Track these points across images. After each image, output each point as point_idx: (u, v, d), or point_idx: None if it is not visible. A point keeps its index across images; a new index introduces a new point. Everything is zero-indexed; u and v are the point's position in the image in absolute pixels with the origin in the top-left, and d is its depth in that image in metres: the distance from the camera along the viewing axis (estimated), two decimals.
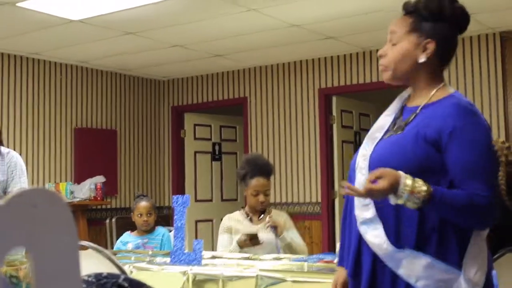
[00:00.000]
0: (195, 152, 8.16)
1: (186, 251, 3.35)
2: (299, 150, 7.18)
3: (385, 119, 2.05)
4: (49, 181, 6.86)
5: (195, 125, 8.18)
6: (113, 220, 5.16)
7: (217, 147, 8.37)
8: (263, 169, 4.01)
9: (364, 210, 1.91)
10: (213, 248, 6.73)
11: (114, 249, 4.59)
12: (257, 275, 2.92)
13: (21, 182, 3.94)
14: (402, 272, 1.83)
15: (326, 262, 3.22)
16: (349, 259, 1.97)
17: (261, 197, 3.97)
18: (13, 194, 0.83)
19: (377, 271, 1.89)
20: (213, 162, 8.33)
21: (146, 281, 1.49)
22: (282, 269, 3.07)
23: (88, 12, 5.22)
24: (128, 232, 4.65)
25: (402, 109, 2.04)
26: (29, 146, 6.74)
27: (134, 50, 6.59)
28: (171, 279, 3.19)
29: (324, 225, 6.96)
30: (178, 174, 8.08)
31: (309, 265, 3.17)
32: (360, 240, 1.92)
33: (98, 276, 1.35)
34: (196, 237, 7.56)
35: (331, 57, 7.06)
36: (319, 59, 7.14)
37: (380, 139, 1.99)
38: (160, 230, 4.63)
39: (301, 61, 7.24)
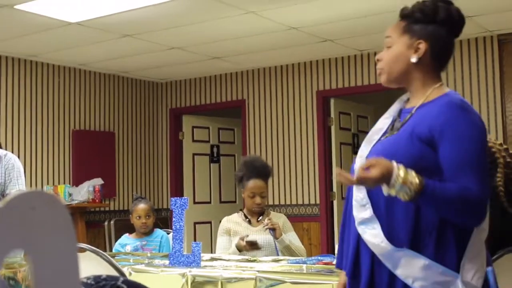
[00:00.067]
0: (194, 154, 8.15)
1: (184, 253, 3.35)
2: (297, 152, 7.19)
3: (383, 122, 2.07)
4: (47, 184, 6.85)
5: (193, 127, 8.18)
6: (112, 222, 5.16)
7: (215, 149, 8.37)
8: (260, 171, 4.01)
9: (361, 211, 1.92)
10: (211, 250, 6.73)
11: (113, 251, 4.59)
12: (256, 277, 2.92)
13: (18, 184, 3.94)
14: (399, 272, 1.84)
15: (325, 263, 3.22)
16: (348, 259, 1.97)
17: (257, 199, 3.97)
18: (11, 197, 0.83)
19: (375, 272, 1.90)
20: (211, 164, 8.32)
21: (145, 283, 1.49)
22: (281, 271, 3.07)
23: (86, 14, 5.22)
24: (126, 235, 4.64)
25: (400, 112, 2.05)
26: (27, 149, 6.73)
27: (132, 53, 6.59)
28: (170, 281, 3.19)
29: (323, 227, 6.96)
30: (176, 176, 8.08)
31: (308, 267, 3.17)
32: (359, 240, 1.93)
33: (97, 279, 1.35)
34: (194, 239, 7.56)
35: (329, 59, 7.07)
36: (317, 61, 7.15)
37: (378, 141, 2.00)
38: (159, 232, 4.63)
39: (299, 63, 7.25)
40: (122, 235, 4.69)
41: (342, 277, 2.09)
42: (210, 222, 8.09)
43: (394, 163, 1.77)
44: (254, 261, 3.49)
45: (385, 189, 1.79)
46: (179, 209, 3.38)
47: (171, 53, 6.63)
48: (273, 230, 3.81)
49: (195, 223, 7.98)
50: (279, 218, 4.03)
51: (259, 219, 4.02)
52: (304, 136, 7.16)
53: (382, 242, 1.86)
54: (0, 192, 3.90)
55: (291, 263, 3.35)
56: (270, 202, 7.01)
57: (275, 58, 7.03)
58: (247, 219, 4.04)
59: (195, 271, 3.16)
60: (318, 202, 7.01)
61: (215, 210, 8.12)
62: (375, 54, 6.84)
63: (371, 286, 1.90)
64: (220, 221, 4.14)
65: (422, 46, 1.96)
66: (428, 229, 1.83)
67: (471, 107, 1.92)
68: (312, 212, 7.04)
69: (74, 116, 7.24)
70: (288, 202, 7.19)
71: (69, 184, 6.99)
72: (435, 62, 1.99)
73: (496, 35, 6.14)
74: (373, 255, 1.89)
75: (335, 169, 1.83)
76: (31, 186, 6.55)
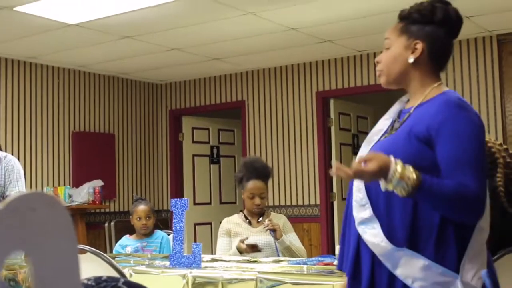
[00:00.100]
0: (193, 156, 8.15)
1: (185, 254, 3.35)
2: (297, 153, 7.19)
3: (383, 123, 2.07)
4: (47, 185, 6.85)
5: (193, 128, 8.18)
6: (112, 223, 5.16)
7: (215, 150, 8.37)
8: (260, 172, 4.01)
9: (361, 211, 1.92)
10: (212, 251, 6.72)
11: (113, 252, 4.59)
12: (256, 278, 2.91)
13: (18, 186, 3.94)
14: (399, 272, 1.84)
15: (325, 264, 3.22)
16: (348, 260, 1.97)
17: (256, 200, 3.97)
18: (11, 198, 0.82)
19: (376, 272, 1.90)
20: (211, 165, 8.33)
21: (146, 284, 1.49)
22: (281, 272, 3.07)
23: (85, 16, 5.22)
24: (127, 236, 4.64)
25: (400, 113, 2.05)
26: (27, 150, 6.73)
27: (132, 54, 6.59)
28: (171, 282, 3.19)
29: (323, 228, 6.96)
30: (176, 177, 8.08)
31: (308, 268, 3.17)
32: (359, 241, 1.93)
33: (98, 280, 1.35)
34: (195, 240, 7.56)
35: (329, 60, 7.07)
36: (316, 62, 7.15)
37: (377, 142, 2.00)
38: (159, 233, 4.63)
39: (298, 64, 7.25)
40: (122, 236, 4.69)
41: (345, 279, 2.09)
42: (210, 223, 8.09)
43: (392, 158, 1.77)
44: (254, 262, 3.49)
45: (382, 184, 1.79)
46: (179, 210, 3.38)
47: (171, 54, 6.63)
48: (273, 231, 3.81)
49: (195, 224, 7.98)
50: (279, 219, 4.02)
51: (259, 220, 4.02)
52: (304, 137, 7.16)
53: (382, 242, 1.86)
54: (0, 194, 3.90)
55: (291, 264, 3.35)
56: (270, 203, 7.01)
57: (275, 59, 7.03)
58: (247, 220, 4.04)
59: (195, 272, 3.16)
60: (318, 203, 7.01)
61: (215, 211, 8.12)
62: (374, 54, 6.89)
63: (372, 287, 1.90)
64: (220, 222, 4.14)
65: (419, 46, 1.97)
66: (427, 228, 1.83)
67: (469, 105, 1.92)
68: (312, 213, 7.04)
69: (74, 117, 7.24)
70: (288, 203, 7.19)
71: (69, 185, 6.99)
72: (433, 62, 2.00)
73: (495, 35, 6.14)
74: (373, 256, 1.89)
75: (333, 163, 1.82)
76: (31, 187, 6.55)
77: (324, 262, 3.29)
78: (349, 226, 2.00)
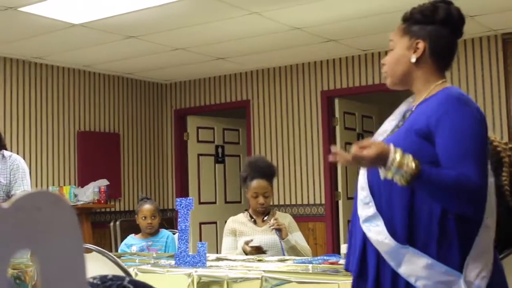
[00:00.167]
0: (198, 155, 8.16)
1: (190, 253, 3.35)
2: (302, 152, 7.18)
3: (389, 124, 2.09)
4: (53, 185, 6.87)
5: (198, 127, 8.19)
6: (117, 223, 5.17)
7: (220, 150, 8.37)
8: (264, 171, 4.01)
9: (365, 209, 1.92)
10: (217, 250, 6.73)
11: (119, 251, 4.60)
12: (262, 277, 2.92)
13: (23, 185, 3.95)
14: (402, 270, 1.84)
15: (331, 263, 3.22)
16: (355, 259, 1.97)
17: (260, 199, 3.97)
18: (17, 197, 0.83)
19: (381, 270, 1.90)
20: (216, 165, 8.33)
21: (151, 283, 1.49)
22: (287, 271, 3.07)
23: (90, 16, 5.23)
24: (132, 235, 4.65)
25: (405, 113, 2.06)
26: (32, 150, 6.75)
27: (136, 54, 6.60)
28: (176, 281, 3.19)
29: (328, 227, 6.96)
30: (181, 176, 8.08)
31: (313, 267, 3.17)
32: (365, 239, 1.93)
33: (103, 279, 1.36)
34: (200, 240, 7.56)
35: (333, 59, 7.07)
36: (321, 61, 7.14)
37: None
38: (164, 232, 4.63)
39: (303, 63, 7.25)
40: (127, 235, 4.70)
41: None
42: (215, 222, 8.10)
43: (392, 146, 1.78)
44: (260, 261, 3.49)
45: (382, 172, 1.80)
46: (185, 210, 3.38)
47: (175, 54, 6.64)
48: (279, 230, 3.81)
49: (200, 224, 7.98)
50: (285, 218, 4.02)
51: (264, 219, 4.02)
52: (309, 136, 7.16)
53: (386, 239, 1.86)
54: (6, 193, 3.91)
55: (297, 263, 3.35)
56: (276, 202, 7.02)
57: (279, 59, 7.03)
58: (253, 219, 4.04)
59: (201, 271, 3.17)
60: (323, 202, 7.00)
61: (220, 210, 8.13)
62: (379, 54, 6.89)
63: (378, 285, 1.90)
64: (226, 222, 4.15)
65: (421, 45, 1.98)
66: (426, 224, 1.83)
67: (470, 100, 1.92)
68: (318, 212, 7.03)
69: (79, 117, 7.25)
70: (293, 202, 7.19)
71: (75, 185, 7.01)
72: (436, 60, 2.00)
73: (500, 34, 6.12)
74: (378, 254, 1.89)
75: (332, 148, 1.81)
76: (36, 187, 6.57)
77: (329, 261, 3.29)
78: (355, 225, 2.00)
